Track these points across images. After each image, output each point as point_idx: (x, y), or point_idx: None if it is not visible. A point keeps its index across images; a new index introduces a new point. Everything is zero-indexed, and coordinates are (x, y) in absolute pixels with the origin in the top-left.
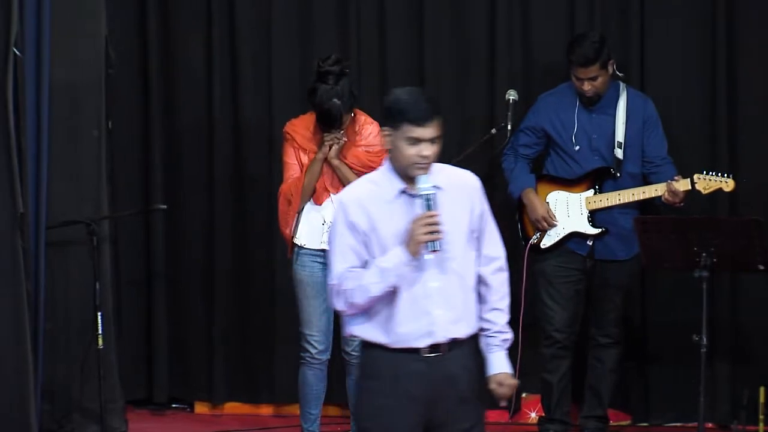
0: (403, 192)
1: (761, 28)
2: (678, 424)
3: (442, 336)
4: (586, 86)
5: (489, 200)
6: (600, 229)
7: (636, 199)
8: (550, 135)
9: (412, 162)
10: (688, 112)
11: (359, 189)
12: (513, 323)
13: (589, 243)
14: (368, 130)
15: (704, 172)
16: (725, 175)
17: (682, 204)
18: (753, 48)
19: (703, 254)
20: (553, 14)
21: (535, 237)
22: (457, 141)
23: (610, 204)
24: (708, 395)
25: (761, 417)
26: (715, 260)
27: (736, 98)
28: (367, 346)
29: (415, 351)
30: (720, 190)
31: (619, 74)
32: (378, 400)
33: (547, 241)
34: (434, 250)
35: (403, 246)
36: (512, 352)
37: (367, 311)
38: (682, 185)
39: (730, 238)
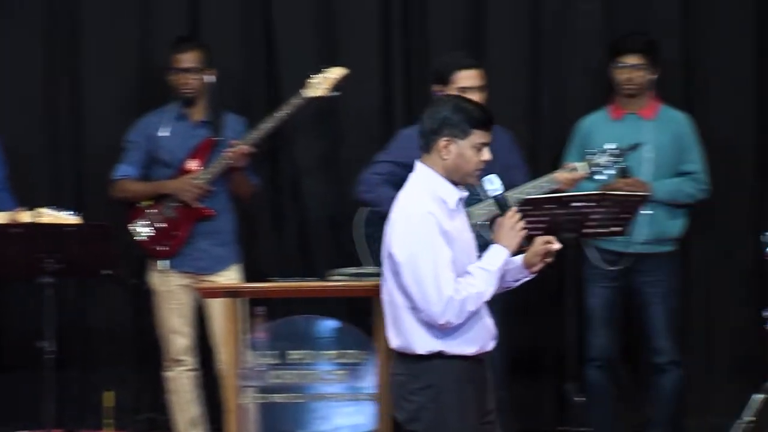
0: (460, 199)
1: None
2: None
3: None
4: None
5: None
6: None
7: None
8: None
9: (477, 168)
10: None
11: (428, 201)
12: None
13: None
14: None
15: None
16: (72, 212)
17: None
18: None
19: (49, 260)
20: None
21: None
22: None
23: None
24: (56, 400)
25: (108, 421)
26: (61, 266)
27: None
28: (434, 359)
29: (477, 356)
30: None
31: None
32: (467, 412)
33: None
34: (523, 247)
35: (500, 246)
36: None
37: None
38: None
39: (77, 244)
